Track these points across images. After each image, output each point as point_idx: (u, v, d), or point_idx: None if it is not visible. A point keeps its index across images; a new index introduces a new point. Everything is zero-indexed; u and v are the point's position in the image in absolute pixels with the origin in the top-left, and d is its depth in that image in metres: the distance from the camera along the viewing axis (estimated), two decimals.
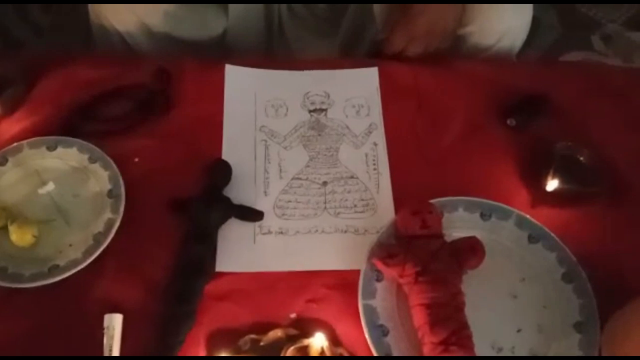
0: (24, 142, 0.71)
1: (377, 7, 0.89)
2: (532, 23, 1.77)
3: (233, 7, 0.88)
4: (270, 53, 0.98)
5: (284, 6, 0.94)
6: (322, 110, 0.78)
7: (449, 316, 0.59)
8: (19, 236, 0.63)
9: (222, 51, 0.89)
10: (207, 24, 0.89)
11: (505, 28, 0.84)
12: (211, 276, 0.64)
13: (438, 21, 0.80)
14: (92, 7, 0.87)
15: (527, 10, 0.86)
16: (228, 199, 0.68)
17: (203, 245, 0.65)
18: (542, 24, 1.70)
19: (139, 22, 0.85)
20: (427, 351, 0.58)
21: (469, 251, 0.63)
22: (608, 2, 1.80)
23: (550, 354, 0.61)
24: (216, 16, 0.89)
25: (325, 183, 0.72)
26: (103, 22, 0.86)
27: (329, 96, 0.79)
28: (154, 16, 0.84)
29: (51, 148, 0.71)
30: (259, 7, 0.91)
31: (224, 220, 0.67)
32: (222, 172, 0.70)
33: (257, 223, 0.68)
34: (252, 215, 0.68)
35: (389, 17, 0.82)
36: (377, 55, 0.85)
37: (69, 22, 1.56)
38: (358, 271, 0.64)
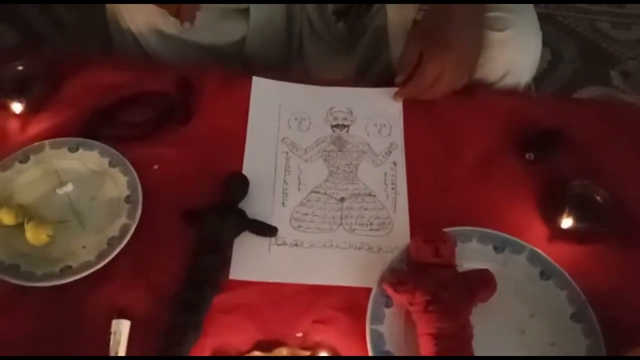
0: (46, 141, 0.71)
1: (392, 40, 0.90)
2: (552, 55, 1.78)
3: (254, 13, 0.89)
4: (287, 69, 0.99)
5: (305, 23, 0.95)
6: (344, 126, 0.78)
7: (455, 347, 0.58)
8: (34, 235, 0.64)
9: (239, 60, 0.90)
10: (223, 30, 0.89)
11: (509, 65, 0.83)
12: (220, 288, 0.64)
13: (450, 74, 0.78)
14: (108, 8, 0.88)
15: (534, 48, 0.85)
16: (243, 213, 0.68)
17: (214, 257, 0.65)
18: (563, 57, 1.70)
19: (151, 24, 0.86)
20: None
21: (481, 284, 0.63)
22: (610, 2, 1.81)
23: None
24: (236, 22, 0.90)
25: (343, 199, 0.72)
26: (119, 23, 0.87)
27: (351, 113, 0.80)
28: (167, 19, 0.83)
29: (73, 149, 0.71)
30: (281, 18, 0.92)
31: (237, 233, 0.68)
32: (239, 186, 0.71)
33: None
34: (265, 230, 0.68)
35: (400, 66, 0.82)
36: (388, 83, 0.84)
37: (93, 21, 1.58)
38: (365, 293, 0.64)
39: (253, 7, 0.90)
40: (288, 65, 1.00)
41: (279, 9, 0.92)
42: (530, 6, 0.85)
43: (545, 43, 1.78)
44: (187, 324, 0.60)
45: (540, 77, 1.63)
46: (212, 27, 0.89)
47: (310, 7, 0.95)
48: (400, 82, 0.81)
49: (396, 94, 0.81)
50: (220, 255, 0.65)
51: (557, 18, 1.79)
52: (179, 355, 0.59)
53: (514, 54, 0.82)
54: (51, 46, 1.45)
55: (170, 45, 0.89)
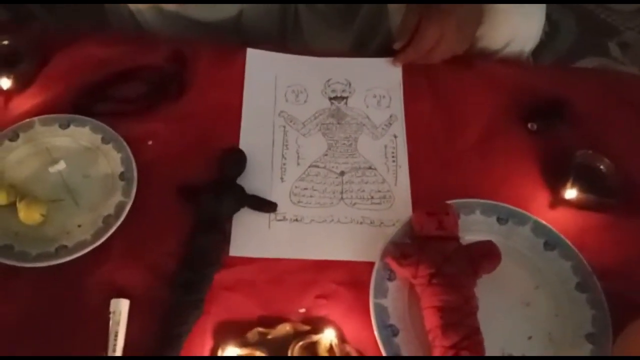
0: (36, 118, 0.70)
1: (391, 5, 0.88)
2: (550, 26, 1.75)
3: None
4: (284, 41, 0.97)
5: None
6: (342, 98, 0.76)
7: (461, 321, 0.58)
8: (27, 214, 0.62)
9: (235, 35, 0.88)
10: (220, 4, 0.87)
11: (513, 33, 0.82)
12: (221, 265, 0.63)
13: (449, 38, 0.77)
14: None
15: (538, 16, 0.84)
16: (241, 189, 0.67)
17: (212, 235, 0.64)
18: (561, 28, 1.68)
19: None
20: (437, 354, 0.57)
21: (485, 256, 0.62)
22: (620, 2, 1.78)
23: None
24: None
25: (342, 173, 0.71)
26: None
27: (350, 84, 0.78)
28: None
29: (64, 126, 0.69)
30: None
31: (235, 209, 0.66)
32: (236, 161, 0.69)
33: None
34: (265, 206, 0.67)
35: (399, 31, 0.80)
36: (388, 53, 0.82)
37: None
38: (368, 267, 0.63)
39: None
40: (285, 39, 0.97)
41: None
42: None
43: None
44: (188, 303, 0.59)
45: (537, 49, 1.60)
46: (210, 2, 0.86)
47: None
48: (398, 48, 0.79)
49: (395, 59, 0.79)
50: (219, 233, 0.64)
51: None
52: (179, 342, 0.58)
53: (517, 21, 0.80)
54: (39, 23, 1.41)
55: (169, 22, 0.87)
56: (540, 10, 0.83)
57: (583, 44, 1.65)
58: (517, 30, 0.81)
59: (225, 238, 0.64)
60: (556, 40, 1.65)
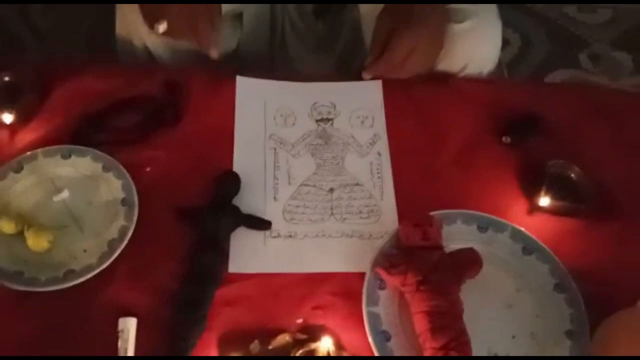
0: (39, 150, 0.73)
1: (366, 30, 0.92)
2: (522, 41, 1.82)
3: (247, 20, 0.91)
4: (273, 64, 1.01)
5: (287, 23, 0.98)
6: (328, 119, 0.81)
7: (448, 323, 0.62)
8: (35, 242, 0.65)
9: (232, 64, 0.92)
10: (224, 39, 0.91)
11: (469, 57, 0.85)
12: (221, 282, 0.66)
13: (420, 52, 0.80)
14: (121, 21, 0.89)
15: (494, 37, 0.87)
16: (237, 209, 0.71)
17: (212, 253, 0.67)
18: (533, 42, 1.75)
19: (168, 42, 0.87)
20: (428, 355, 0.61)
21: (468, 262, 0.66)
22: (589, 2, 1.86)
23: None
24: (232, 31, 0.92)
25: (331, 190, 0.75)
26: (131, 36, 0.88)
27: (335, 107, 0.82)
28: None
29: (65, 156, 0.73)
30: (266, 20, 0.94)
31: (232, 229, 0.70)
32: (231, 183, 0.73)
33: None
34: (260, 224, 0.71)
35: (372, 45, 0.82)
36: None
37: (70, 26, 1.59)
38: (359, 277, 0.67)
39: (245, 13, 0.93)
40: (274, 62, 1.02)
41: (265, 13, 0.95)
42: None
43: (515, 29, 1.84)
44: (191, 320, 0.63)
45: (511, 63, 1.68)
46: None
47: (291, 8, 0.97)
48: (369, 60, 0.81)
49: (365, 71, 0.81)
50: (218, 251, 0.68)
51: (525, 5, 1.84)
52: (184, 355, 0.61)
53: (473, 45, 0.84)
54: (31, 53, 1.45)
55: (182, 57, 0.90)
56: (495, 32, 0.87)
57: (555, 56, 1.73)
58: (473, 54, 0.85)
59: (224, 256, 0.68)
60: (529, 54, 1.72)
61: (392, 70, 0.81)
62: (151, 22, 0.75)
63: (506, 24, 1.77)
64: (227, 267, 0.68)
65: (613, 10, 1.88)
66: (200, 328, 0.63)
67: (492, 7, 0.87)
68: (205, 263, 0.66)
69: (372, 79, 0.83)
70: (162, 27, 0.74)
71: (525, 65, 1.69)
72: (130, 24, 0.88)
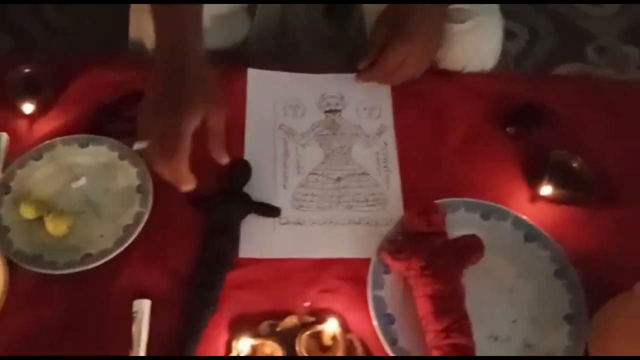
0: (58, 139, 0.76)
1: (369, 28, 0.93)
2: (530, 34, 1.83)
3: (259, 14, 0.93)
4: (285, 60, 1.03)
5: (298, 22, 1.00)
6: (336, 111, 0.83)
7: (450, 307, 0.64)
8: (55, 227, 0.68)
9: (241, 57, 0.94)
10: (232, 32, 0.94)
11: (470, 55, 0.87)
12: (232, 266, 0.69)
13: (411, 62, 0.81)
14: (134, 24, 0.91)
15: (494, 36, 0.88)
16: (247, 196, 0.73)
17: (224, 239, 0.70)
18: (540, 36, 1.76)
19: None
20: (430, 338, 0.63)
21: (470, 248, 0.69)
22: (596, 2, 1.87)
23: (543, 343, 0.66)
24: (242, 24, 0.95)
25: (339, 179, 0.77)
26: (143, 39, 0.90)
27: (343, 98, 0.84)
28: None
29: (83, 145, 0.76)
30: (277, 17, 0.96)
31: (243, 215, 0.73)
32: (242, 171, 0.76)
33: None
34: (269, 211, 0.73)
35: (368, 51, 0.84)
36: None
37: (83, 28, 1.62)
38: (365, 263, 0.69)
39: (258, 8, 0.94)
40: (285, 58, 1.04)
41: (275, 13, 0.97)
42: None
43: (523, 22, 1.85)
44: (203, 302, 0.66)
45: (519, 56, 1.69)
46: (220, 30, 0.92)
47: (302, 11, 0.99)
48: (363, 66, 0.84)
49: (359, 77, 0.84)
50: (229, 237, 0.70)
51: None
52: (196, 338, 0.63)
53: (473, 44, 0.86)
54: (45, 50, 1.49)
55: None
56: (496, 31, 0.89)
57: (562, 50, 1.73)
58: (474, 54, 0.87)
59: (235, 241, 0.71)
60: (536, 47, 1.73)
61: (383, 78, 0.84)
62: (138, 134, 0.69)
63: (513, 17, 1.80)
64: (237, 252, 0.70)
65: (620, 3, 1.88)
66: (212, 309, 0.65)
67: (494, 6, 0.89)
68: (217, 248, 0.69)
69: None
70: (140, 144, 0.68)
71: (532, 58, 1.70)
72: (143, 25, 0.90)
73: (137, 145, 0.68)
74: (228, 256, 0.69)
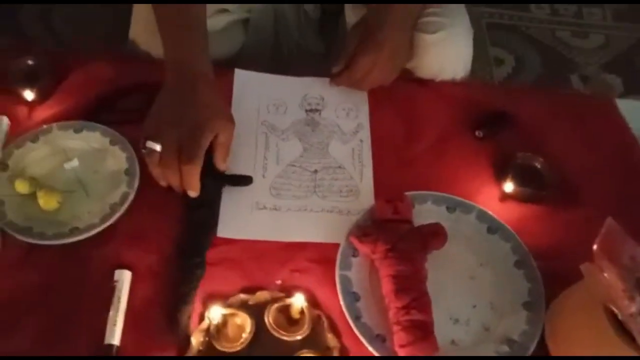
0: (54, 124, 0.81)
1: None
2: (515, 62, 1.90)
3: (252, 28, 1.00)
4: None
5: (292, 43, 1.06)
6: (317, 110, 0.89)
7: (411, 286, 0.68)
8: (45, 201, 0.73)
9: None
10: (227, 42, 1.00)
11: (440, 66, 0.93)
12: (214, 233, 0.74)
13: (379, 69, 0.87)
14: (133, 34, 0.97)
15: (463, 47, 0.94)
16: (219, 172, 0.77)
17: (204, 210, 0.75)
18: (525, 64, 1.84)
19: None
20: (391, 314, 0.67)
21: (433, 234, 0.73)
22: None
23: (500, 327, 0.70)
24: (236, 35, 1.02)
25: (316, 171, 0.82)
26: (139, 48, 0.96)
27: (323, 99, 0.90)
28: None
29: (77, 131, 0.81)
30: (269, 33, 1.02)
31: (220, 187, 0.77)
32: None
33: (255, 200, 0.78)
34: (241, 180, 0.79)
35: (343, 53, 0.89)
36: None
37: (89, 33, 1.71)
38: (336, 248, 0.73)
39: (251, 22, 1.02)
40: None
41: (268, 27, 1.04)
42: (463, 9, 0.97)
43: (510, 51, 1.92)
44: (193, 264, 0.70)
45: (504, 81, 1.76)
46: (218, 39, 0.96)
47: (294, 29, 1.06)
48: (336, 70, 0.89)
49: (332, 81, 0.90)
50: (209, 207, 0.75)
51: (520, 28, 1.94)
52: (189, 299, 0.67)
53: (443, 54, 0.92)
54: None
55: None
56: (465, 42, 0.95)
57: (547, 77, 1.81)
58: (444, 63, 0.93)
59: (214, 212, 0.75)
60: (521, 74, 1.80)
61: (354, 83, 0.89)
62: (147, 137, 0.73)
63: (500, 45, 1.87)
64: (217, 220, 0.75)
65: (605, 36, 1.96)
66: (201, 272, 0.70)
67: (464, 19, 0.95)
68: (199, 217, 0.74)
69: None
70: (154, 145, 0.72)
71: (518, 84, 1.77)
72: (139, 39, 0.96)
73: (150, 145, 0.72)
74: (210, 224, 0.75)
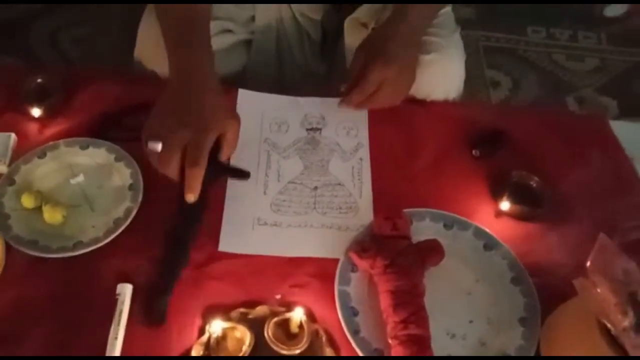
0: (61, 141, 0.83)
1: (349, 61, 1.00)
2: (512, 84, 1.94)
3: (255, 46, 1.03)
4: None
5: (295, 66, 1.09)
6: (317, 129, 0.91)
7: (409, 301, 0.69)
8: (51, 215, 0.75)
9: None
10: (230, 62, 1.03)
11: (433, 85, 0.95)
12: (201, 222, 0.76)
13: (389, 85, 0.87)
14: (138, 54, 0.99)
15: (456, 69, 0.96)
16: (220, 162, 0.77)
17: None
18: (522, 86, 1.87)
19: None
20: (389, 329, 0.68)
21: (431, 250, 0.74)
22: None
23: (497, 342, 0.71)
24: (239, 55, 1.05)
25: (316, 188, 0.84)
26: (145, 67, 0.98)
27: (324, 118, 0.93)
28: None
29: (84, 147, 0.83)
30: (272, 54, 1.05)
31: (215, 178, 0.77)
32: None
33: (256, 215, 0.80)
34: (240, 173, 0.80)
35: (350, 71, 0.90)
36: None
37: (98, 55, 1.75)
38: (335, 263, 0.74)
39: (254, 44, 1.05)
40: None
41: (271, 48, 1.06)
42: (457, 32, 0.99)
43: (507, 73, 1.96)
44: (176, 254, 0.73)
45: (502, 103, 1.79)
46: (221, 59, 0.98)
47: (296, 50, 1.09)
48: (344, 88, 0.90)
49: (341, 103, 0.89)
50: (200, 196, 0.74)
51: (517, 51, 1.98)
52: (171, 285, 0.70)
53: (436, 74, 0.94)
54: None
55: None
56: (457, 64, 0.97)
57: (543, 99, 1.84)
58: (436, 83, 0.95)
59: (204, 200, 0.75)
60: (518, 96, 1.83)
61: (364, 102, 0.90)
62: (148, 136, 0.74)
63: (498, 67, 1.91)
64: (206, 206, 0.76)
65: (600, 60, 2.00)
66: (184, 262, 0.72)
67: (458, 42, 0.98)
68: (188, 205, 0.73)
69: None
70: (155, 145, 0.72)
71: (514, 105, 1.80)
72: (145, 57, 0.98)
73: (152, 144, 0.72)
74: (199, 213, 0.76)
